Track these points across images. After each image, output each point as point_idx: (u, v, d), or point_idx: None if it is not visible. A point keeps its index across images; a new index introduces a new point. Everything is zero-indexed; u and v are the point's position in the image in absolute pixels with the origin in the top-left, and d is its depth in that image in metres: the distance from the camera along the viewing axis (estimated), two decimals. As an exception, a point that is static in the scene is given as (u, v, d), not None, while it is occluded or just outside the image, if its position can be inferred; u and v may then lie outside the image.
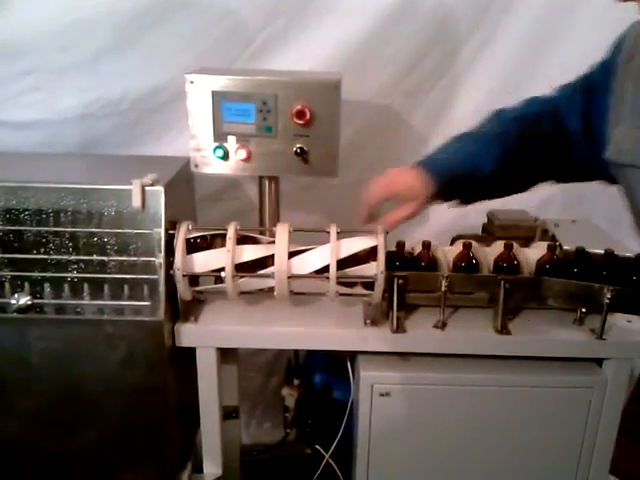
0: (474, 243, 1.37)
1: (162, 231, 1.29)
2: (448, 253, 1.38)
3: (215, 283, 1.36)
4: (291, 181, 1.81)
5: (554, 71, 1.77)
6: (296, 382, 1.76)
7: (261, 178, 1.47)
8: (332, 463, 1.64)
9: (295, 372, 1.68)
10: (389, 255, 1.36)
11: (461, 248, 1.35)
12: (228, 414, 1.75)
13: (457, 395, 1.37)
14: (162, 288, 1.30)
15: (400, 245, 1.38)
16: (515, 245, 1.36)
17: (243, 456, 1.83)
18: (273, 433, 2.13)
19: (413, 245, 1.42)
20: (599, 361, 1.38)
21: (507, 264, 1.33)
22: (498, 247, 1.37)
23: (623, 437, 1.40)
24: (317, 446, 1.72)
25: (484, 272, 1.35)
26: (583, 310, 1.36)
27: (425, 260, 1.35)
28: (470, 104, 1.83)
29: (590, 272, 1.31)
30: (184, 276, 1.30)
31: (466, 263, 1.34)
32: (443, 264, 1.36)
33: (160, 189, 1.29)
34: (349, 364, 1.49)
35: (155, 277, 1.30)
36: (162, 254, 1.29)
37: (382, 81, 1.75)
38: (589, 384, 1.36)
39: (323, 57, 1.66)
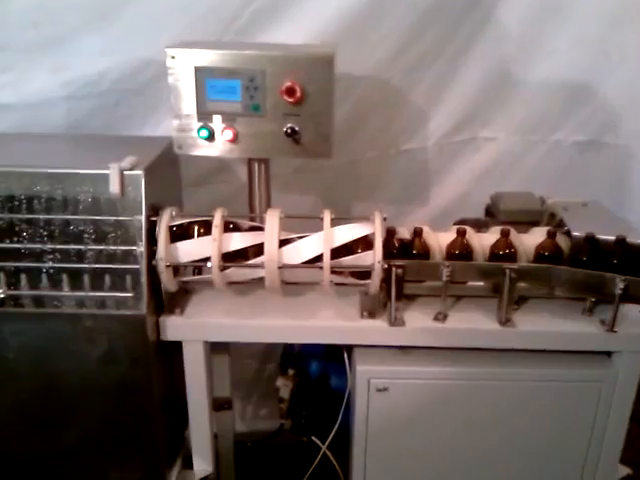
0: (469, 229, 1.29)
1: (143, 218, 1.20)
2: (441, 240, 1.29)
3: (202, 273, 1.28)
4: (283, 163, 1.72)
5: (562, 43, 1.68)
6: (291, 372, 1.69)
7: (250, 160, 1.38)
8: (329, 454, 1.58)
9: (291, 359, 1.61)
10: (401, 243, 1.28)
11: (455, 235, 1.26)
12: (220, 405, 1.69)
13: (459, 390, 1.30)
14: (144, 279, 1.22)
15: (390, 232, 1.29)
16: (513, 231, 1.27)
17: (238, 446, 1.78)
18: (270, 420, 2.07)
19: (404, 230, 1.33)
20: (609, 353, 1.30)
21: (503, 252, 1.25)
22: (495, 233, 1.29)
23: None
24: (313, 437, 1.66)
25: (479, 260, 1.26)
26: (592, 300, 1.28)
27: (417, 248, 1.27)
28: (474, 79, 1.73)
29: (601, 260, 1.23)
30: (167, 266, 1.22)
31: (460, 251, 1.26)
32: (436, 252, 1.28)
33: (140, 173, 1.19)
34: (345, 354, 1.41)
35: (137, 268, 1.22)
36: (143, 243, 1.21)
37: (380, 55, 1.64)
38: (599, 378, 1.29)
39: (315, 32, 1.55)
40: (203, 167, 1.69)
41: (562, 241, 1.28)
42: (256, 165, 1.38)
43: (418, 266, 1.25)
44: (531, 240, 1.29)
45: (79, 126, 1.60)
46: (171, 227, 1.25)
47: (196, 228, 1.28)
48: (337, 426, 1.50)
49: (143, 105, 1.60)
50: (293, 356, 1.60)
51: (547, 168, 1.83)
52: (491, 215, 1.47)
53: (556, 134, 1.81)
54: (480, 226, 1.35)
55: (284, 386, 1.69)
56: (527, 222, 1.36)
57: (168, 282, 1.25)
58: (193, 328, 1.29)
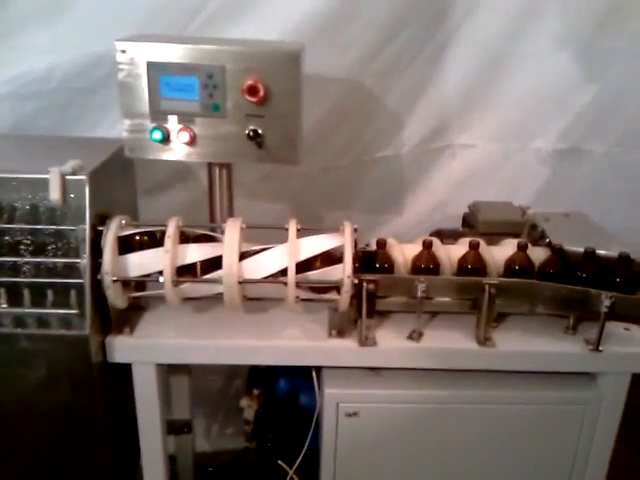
0: (435, 241, 1.21)
1: (87, 228, 1.09)
2: (407, 252, 1.21)
3: (155, 288, 1.17)
4: (249, 169, 1.62)
5: (542, 46, 1.62)
6: (255, 392, 1.58)
7: (210, 165, 1.27)
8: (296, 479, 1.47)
9: (257, 376, 1.50)
10: (363, 255, 1.19)
11: (421, 247, 1.18)
12: (179, 428, 1.58)
13: (435, 414, 1.21)
14: (88, 296, 1.10)
15: (380, 244, 1.19)
16: (482, 244, 1.19)
17: (198, 470, 1.66)
18: (236, 439, 1.95)
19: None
20: (593, 374, 1.22)
21: (472, 265, 1.16)
22: (464, 245, 1.20)
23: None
24: (280, 462, 1.55)
25: (446, 273, 1.18)
26: (576, 317, 1.20)
27: (381, 261, 1.18)
28: (452, 83, 1.65)
29: (584, 275, 1.14)
30: (115, 281, 1.10)
31: (426, 264, 1.17)
32: (401, 265, 1.19)
33: (83, 178, 1.08)
34: (314, 373, 1.30)
35: (80, 282, 1.10)
36: (87, 255, 1.09)
37: (352, 57, 1.55)
38: (583, 400, 1.21)
39: (284, 30, 1.46)
40: (162, 171, 1.58)
41: (542, 253, 1.20)
42: (217, 170, 1.27)
43: (391, 281, 1.15)
44: (502, 253, 1.20)
45: (24, 127, 1.48)
46: (121, 238, 1.13)
47: (148, 239, 1.17)
48: (305, 449, 1.40)
49: (96, 105, 1.48)
50: (260, 373, 1.49)
51: (526, 177, 1.77)
52: (469, 226, 1.38)
53: (536, 141, 1.74)
54: (457, 237, 1.26)
55: (248, 407, 1.59)
56: (507, 233, 1.28)
57: (116, 298, 1.13)
58: (143, 349, 1.18)
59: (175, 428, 1.58)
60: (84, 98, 1.49)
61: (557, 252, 1.15)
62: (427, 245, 1.18)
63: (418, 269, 1.17)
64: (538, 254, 1.20)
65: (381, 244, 1.18)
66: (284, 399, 1.54)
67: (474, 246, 1.17)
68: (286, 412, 1.53)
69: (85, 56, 1.43)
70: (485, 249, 1.20)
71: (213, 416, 2.02)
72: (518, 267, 1.18)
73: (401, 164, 1.76)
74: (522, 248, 1.18)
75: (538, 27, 1.61)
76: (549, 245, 1.19)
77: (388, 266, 1.18)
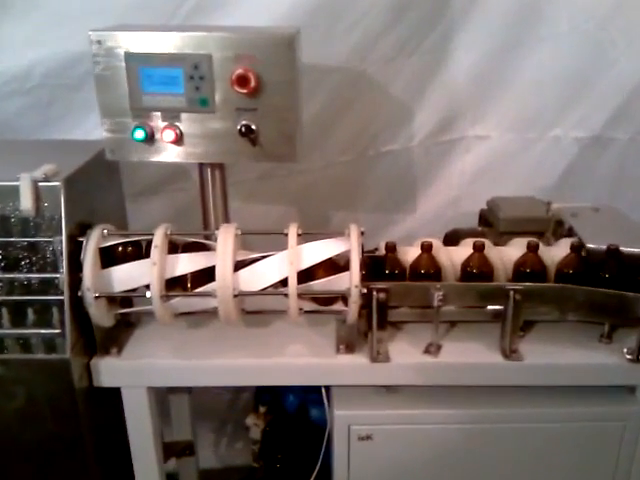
0: (436, 243, 1.10)
1: (63, 239, 0.98)
2: (454, 255, 1.09)
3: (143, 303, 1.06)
4: (245, 168, 1.51)
5: (560, 27, 1.49)
6: (262, 409, 1.49)
7: (201, 166, 1.15)
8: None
9: (265, 388, 1.41)
10: (371, 260, 1.08)
11: (471, 250, 1.06)
12: (181, 451, 1.48)
13: (457, 436, 1.09)
14: (67, 315, 0.99)
15: (389, 248, 1.07)
16: (487, 244, 1.08)
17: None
18: (245, 455, 1.85)
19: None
20: (632, 387, 1.09)
21: (531, 269, 1.05)
22: (517, 247, 1.08)
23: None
24: (290, 485, 1.45)
25: (448, 278, 1.07)
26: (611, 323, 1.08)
27: (391, 266, 1.07)
28: (462, 69, 1.52)
29: (621, 277, 1.02)
30: (97, 297, 0.99)
31: (478, 270, 1.05)
32: (448, 270, 1.07)
33: (57, 185, 0.97)
34: (324, 390, 1.18)
35: (59, 299, 0.99)
36: (65, 269, 0.98)
37: (353, 42, 1.43)
38: (621, 416, 1.09)
39: (278, 16, 1.34)
40: (153, 173, 1.47)
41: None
42: (208, 171, 1.15)
43: (404, 289, 1.04)
44: (511, 254, 1.08)
45: (5, 128, 1.37)
46: (103, 249, 1.03)
47: (134, 250, 1.06)
48: (318, 469, 1.29)
49: (81, 102, 1.37)
50: (268, 385, 1.38)
51: (545, 169, 1.63)
52: (487, 224, 1.26)
53: (554, 130, 1.61)
54: (476, 237, 1.13)
55: (254, 426, 1.49)
56: (530, 232, 1.15)
57: (100, 316, 1.02)
58: (133, 372, 1.07)
59: (176, 450, 1.48)
60: (68, 95, 1.38)
61: (577, 250, 1.03)
62: (426, 248, 1.06)
63: (470, 275, 1.06)
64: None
65: (390, 248, 1.06)
66: (294, 414, 1.45)
67: (479, 248, 1.05)
68: (296, 429, 1.44)
69: (68, 51, 1.32)
70: (492, 250, 1.09)
71: (220, 430, 1.92)
72: (529, 270, 1.06)
73: (410, 158, 1.63)
74: (533, 249, 1.05)
75: (554, 6, 1.48)
76: (573, 245, 1.06)
77: (399, 272, 1.07)
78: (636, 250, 1.02)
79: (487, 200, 1.27)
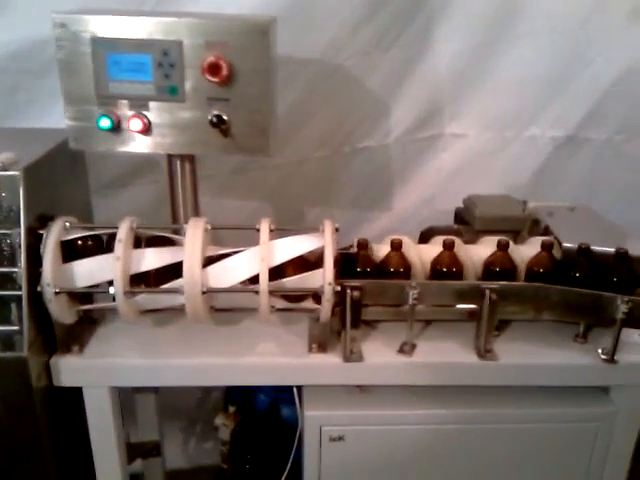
0: (406, 240, 1.07)
1: (22, 231, 0.93)
2: (424, 254, 1.07)
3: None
4: (217, 161, 1.47)
5: (537, 25, 1.48)
6: (231, 409, 1.45)
7: (170, 157, 1.11)
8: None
9: (236, 387, 1.37)
10: (344, 258, 1.05)
11: (440, 248, 1.04)
12: (147, 452, 1.43)
13: (431, 437, 1.07)
14: (25, 311, 0.94)
15: (361, 245, 1.05)
16: (458, 243, 1.06)
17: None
18: (215, 454, 1.81)
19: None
20: (605, 387, 1.09)
21: (500, 268, 1.03)
22: (487, 245, 1.06)
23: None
24: (258, 486, 1.42)
25: (417, 277, 1.05)
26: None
27: (363, 264, 1.04)
28: (440, 66, 1.50)
29: (594, 276, 1.01)
30: (57, 293, 0.94)
31: (448, 268, 1.03)
32: (418, 268, 1.04)
33: (16, 174, 0.92)
34: (295, 390, 1.15)
35: (17, 294, 0.94)
36: (23, 263, 0.93)
37: (329, 34, 1.40)
38: (595, 417, 1.08)
39: (254, 4, 1.30)
40: (121, 165, 1.42)
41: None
42: (178, 163, 1.11)
43: (378, 287, 1.01)
44: (481, 252, 1.07)
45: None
46: (65, 243, 0.98)
47: (97, 244, 1.02)
48: (288, 469, 1.26)
49: (47, 89, 1.31)
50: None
51: (521, 168, 1.63)
52: (462, 222, 1.24)
53: (531, 129, 1.60)
54: (456, 236, 1.11)
55: (223, 426, 1.45)
56: (506, 231, 1.14)
57: (61, 312, 0.98)
58: (95, 371, 1.02)
59: (142, 451, 1.43)
60: (33, 82, 1.32)
61: (548, 249, 1.02)
62: (396, 246, 1.04)
63: (439, 273, 1.03)
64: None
65: (362, 245, 1.04)
66: (264, 414, 1.41)
67: (449, 246, 1.03)
68: (266, 429, 1.41)
69: (33, 35, 1.26)
70: (462, 249, 1.07)
71: (189, 430, 1.87)
72: (499, 269, 1.04)
73: (386, 155, 1.61)
74: (503, 247, 1.04)
75: (532, 4, 1.47)
76: (544, 243, 1.04)
77: (371, 270, 1.04)
78: (609, 249, 1.01)
79: (463, 198, 1.25)
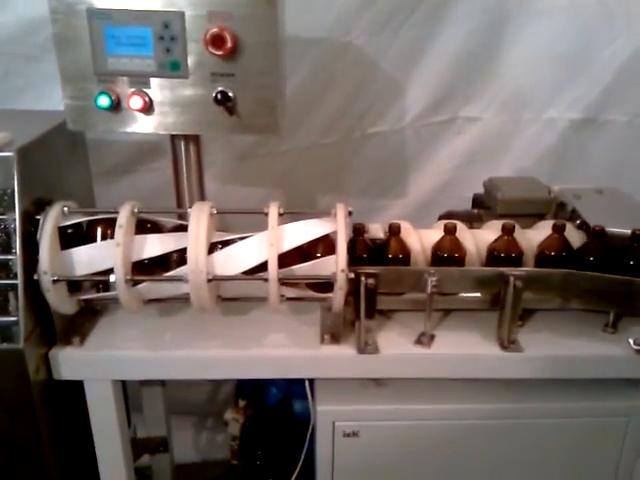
0: (460, 225, 1.01)
1: (17, 216, 0.88)
2: (426, 239, 1.00)
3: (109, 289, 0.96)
4: (224, 147, 1.41)
5: (556, 1, 1.40)
6: (242, 403, 1.40)
7: (173, 138, 1.05)
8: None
9: (247, 380, 1.31)
10: (350, 244, 0.99)
11: (442, 232, 0.98)
12: (155, 447, 1.39)
13: (450, 433, 1.01)
14: (21, 301, 0.88)
15: (358, 231, 0.99)
16: (518, 227, 0.99)
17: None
18: (226, 448, 1.77)
19: (378, 228, 1.04)
20: (636, 380, 1.02)
21: (506, 254, 0.96)
22: (493, 229, 1.00)
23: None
24: (270, 480, 1.37)
25: (474, 264, 0.98)
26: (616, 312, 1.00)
27: (394, 251, 0.98)
28: (454, 46, 1.44)
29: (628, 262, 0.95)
30: (56, 281, 0.89)
31: (449, 253, 0.97)
32: (419, 255, 0.99)
33: (10, 155, 0.87)
34: (307, 383, 1.10)
35: (13, 283, 0.89)
36: (18, 250, 0.88)
37: (336, 12, 1.33)
38: (625, 412, 1.01)
39: None
40: (125, 150, 1.37)
41: (575, 237, 1.01)
42: (182, 144, 1.05)
43: (394, 275, 0.95)
44: (538, 237, 1.00)
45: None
46: (64, 229, 0.93)
47: (100, 229, 0.96)
48: (300, 465, 1.20)
49: (42, 73, 1.26)
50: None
51: (539, 152, 1.56)
52: (482, 206, 1.18)
53: (549, 111, 1.53)
54: (472, 220, 1.06)
55: (233, 421, 1.41)
56: (532, 214, 1.07)
57: (60, 302, 0.92)
58: (96, 364, 0.97)
59: (150, 447, 1.39)
60: (27, 66, 1.27)
61: (597, 236, 0.95)
62: (450, 230, 0.97)
63: (440, 259, 0.97)
64: (570, 238, 1.01)
65: (395, 230, 0.97)
66: (276, 408, 1.37)
67: (508, 231, 0.97)
68: (278, 423, 1.37)
69: (26, 16, 1.21)
70: (520, 233, 1.00)
71: (200, 424, 1.82)
72: (554, 253, 0.97)
73: (398, 140, 1.55)
74: (558, 230, 0.97)
75: None
76: (583, 227, 0.98)
77: (404, 256, 0.97)
78: (621, 231, 0.94)
79: (484, 181, 1.19)
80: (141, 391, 1.33)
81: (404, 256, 0.97)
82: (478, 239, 1.00)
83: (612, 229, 0.95)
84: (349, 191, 1.58)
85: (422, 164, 1.57)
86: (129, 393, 1.39)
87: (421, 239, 1.00)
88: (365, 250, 0.97)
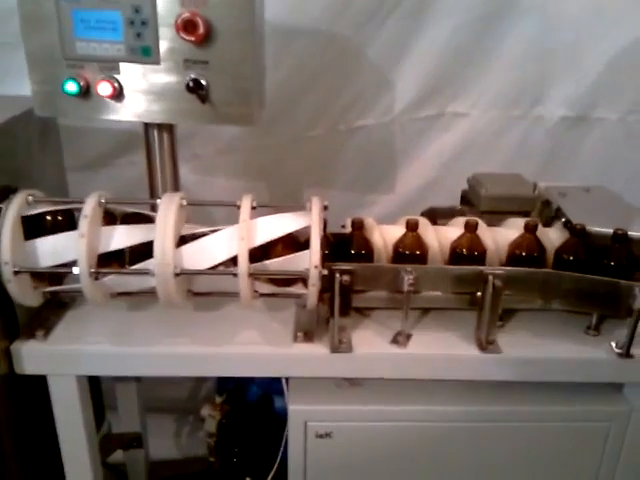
0: (423, 221, 0.99)
1: (-23, 205, 0.84)
2: (388, 235, 0.98)
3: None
4: (205, 140, 1.38)
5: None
6: (218, 400, 1.37)
7: (147, 127, 1.02)
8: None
9: (228, 377, 1.30)
10: (336, 239, 0.97)
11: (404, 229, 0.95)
12: (129, 443, 1.36)
13: (425, 435, 0.98)
14: (-19, 292, 0.85)
15: (357, 225, 0.96)
16: (481, 224, 0.96)
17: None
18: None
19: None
20: (619, 384, 1.00)
21: (467, 251, 0.94)
22: (458, 227, 0.98)
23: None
24: (248, 479, 1.35)
25: (435, 261, 0.96)
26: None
27: (358, 245, 0.95)
28: (441, 39, 1.40)
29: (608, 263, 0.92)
30: (17, 273, 0.86)
31: (410, 250, 0.94)
32: (381, 251, 0.96)
33: (-31, 141, 0.83)
34: (284, 381, 1.07)
35: (-25, 275, 0.86)
36: (-22, 240, 0.84)
37: (321, 3, 1.30)
38: (606, 416, 0.99)
39: None
40: (102, 142, 1.33)
41: (557, 236, 0.98)
42: (155, 133, 1.02)
43: (371, 271, 0.92)
44: (506, 236, 0.97)
45: None
46: (28, 218, 0.89)
47: (66, 220, 0.93)
48: (277, 465, 1.18)
49: (18, 61, 1.22)
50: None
51: (528, 149, 1.53)
52: (469, 203, 1.15)
53: (538, 108, 1.50)
54: (454, 217, 1.03)
55: (210, 417, 1.38)
56: (514, 212, 1.04)
57: (23, 294, 0.89)
58: (61, 358, 0.94)
59: (124, 442, 1.36)
60: (4, 54, 1.23)
61: (578, 234, 0.92)
62: (412, 227, 0.94)
63: (401, 256, 0.94)
64: (551, 237, 0.98)
65: (357, 225, 0.95)
66: (256, 404, 1.34)
67: (471, 228, 0.94)
68: (256, 420, 1.33)
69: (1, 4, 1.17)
70: (485, 231, 0.98)
71: (180, 419, 1.79)
72: (525, 253, 0.95)
73: (384, 135, 1.51)
74: (531, 229, 0.95)
75: None
76: (567, 225, 0.95)
77: (366, 252, 0.95)
78: (604, 230, 0.91)
79: (468, 177, 1.15)
80: (114, 386, 1.30)
81: (367, 252, 0.94)
82: (441, 236, 0.97)
83: (594, 228, 0.92)
84: (335, 186, 1.55)
85: (409, 159, 1.54)
86: (105, 389, 1.37)
87: (383, 235, 0.98)
88: (326, 245, 0.93)
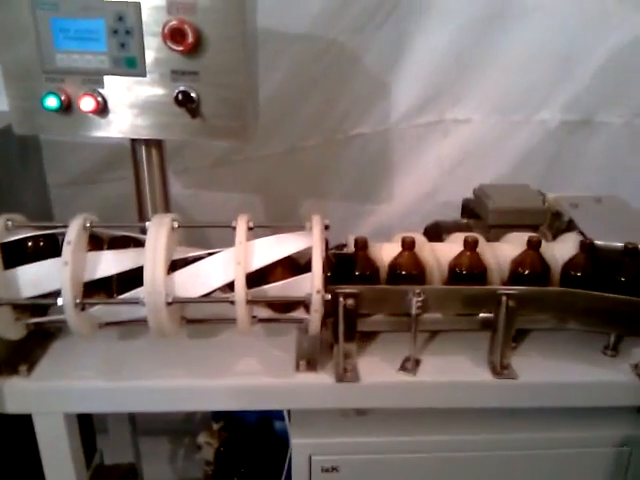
0: (420, 239, 0.93)
1: (-50, 233, 0.78)
2: (387, 254, 0.92)
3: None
4: (197, 153, 1.32)
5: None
6: (215, 426, 1.32)
7: (134, 143, 0.95)
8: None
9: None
10: (338, 259, 0.90)
11: (400, 247, 0.89)
12: (122, 476, 1.30)
13: (437, 466, 0.93)
14: (-43, 327, 0.79)
15: (360, 244, 0.89)
16: (481, 241, 0.90)
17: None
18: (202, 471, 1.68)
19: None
20: (639, 408, 0.95)
21: (466, 270, 0.88)
22: (454, 243, 0.92)
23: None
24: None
25: (434, 282, 0.89)
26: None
27: (362, 266, 0.88)
28: (440, 43, 1.35)
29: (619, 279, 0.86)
30: (-4, 306, 0.79)
31: (407, 270, 0.88)
32: (434, 272, 0.91)
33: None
34: (285, 411, 1.01)
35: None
36: (-48, 271, 0.78)
37: (317, 7, 1.25)
38: (626, 441, 0.93)
39: None
40: (88, 158, 1.27)
41: (563, 249, 0.92)
42: (143, 149, 0.95)
43: (376, 294, 0.86)
44: (510, 253, 0.92)
45: None
46: (8, 245, 0.83)
47: (49, 246, 0.87)
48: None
49: None
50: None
51: (531, 155, 1.48)
52: (472, 215, 1.09)
53: (542, 113, 1.45)
54: (461, 231, 0.97)
55: (207, 445, 1.32)
56: (523, 225, 0.99)
57: (3, 327, 0.84)
58: (46, 395, 0.87)
59: (117, 475, 1.29)
60: None
61: (588, 249, 0.87)
62: (408, 245, 0.88)
63: (397, 276, 0.88)
64: (556, 253, 0.92)
65: (361, 244, 0.88)
66: (255, 427, 1.28)
67: (470, 245, 0.88)
68: (257, 445, 1.29)
69: None
70: (486, 248, 0.92)
71: (176, 444, 1.72)
72: (529, 271, 0.88)
73: (382, 143, 1.46)
74: (534, 246, 0.89)
75: None
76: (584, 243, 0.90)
77: (371, 273, 0.89)
78: (613, 244, 0.87)
79: (474, 188, 1.10)
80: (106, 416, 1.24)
81: (371, 273, 0.88)
82: (439, 255, 0.91)
83: (603, 242, 0.87)
84: (332, 196, 1.50)
85: (407, 168, 1.48)
86: (95, 415, 1.31)
87: (381, 254, 0.91)
88: (327, 268, 0.87)
